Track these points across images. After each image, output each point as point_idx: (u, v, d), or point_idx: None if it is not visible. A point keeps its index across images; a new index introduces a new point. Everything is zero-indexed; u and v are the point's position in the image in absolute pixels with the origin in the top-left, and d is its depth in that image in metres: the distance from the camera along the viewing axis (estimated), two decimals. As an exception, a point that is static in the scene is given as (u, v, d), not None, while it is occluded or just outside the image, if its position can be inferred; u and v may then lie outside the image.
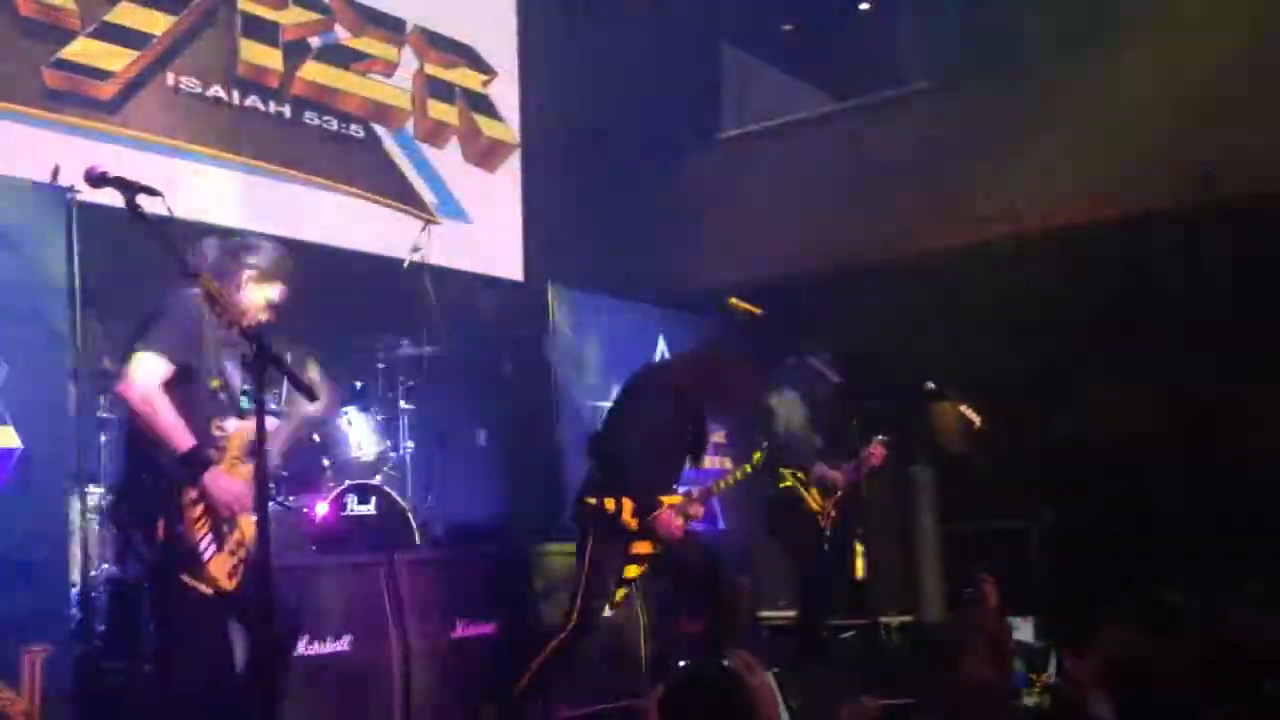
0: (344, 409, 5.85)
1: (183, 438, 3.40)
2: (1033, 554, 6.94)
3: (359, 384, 6.16)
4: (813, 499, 5.91)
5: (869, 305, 7.51)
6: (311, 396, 3.76)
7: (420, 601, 4.89)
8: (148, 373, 3.41)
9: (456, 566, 5.29)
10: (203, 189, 6.60)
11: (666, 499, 4.74)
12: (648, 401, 4.79)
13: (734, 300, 6.02)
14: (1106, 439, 6.87)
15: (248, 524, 3.59)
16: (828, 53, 8.40)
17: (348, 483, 5.52)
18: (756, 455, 5.34)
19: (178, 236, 3.33)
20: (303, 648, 4.41)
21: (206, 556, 3.38)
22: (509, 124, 8.53)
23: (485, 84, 8.39)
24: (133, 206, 3.28)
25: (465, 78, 8.26)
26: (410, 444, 6.13)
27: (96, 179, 3.34)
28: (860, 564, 6.32)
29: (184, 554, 3.37)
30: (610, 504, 4.59)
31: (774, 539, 6.34)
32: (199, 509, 3.40)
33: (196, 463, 3.40)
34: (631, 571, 4.70)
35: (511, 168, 8.53)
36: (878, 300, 7.55)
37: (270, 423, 3.91)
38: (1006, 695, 4.43)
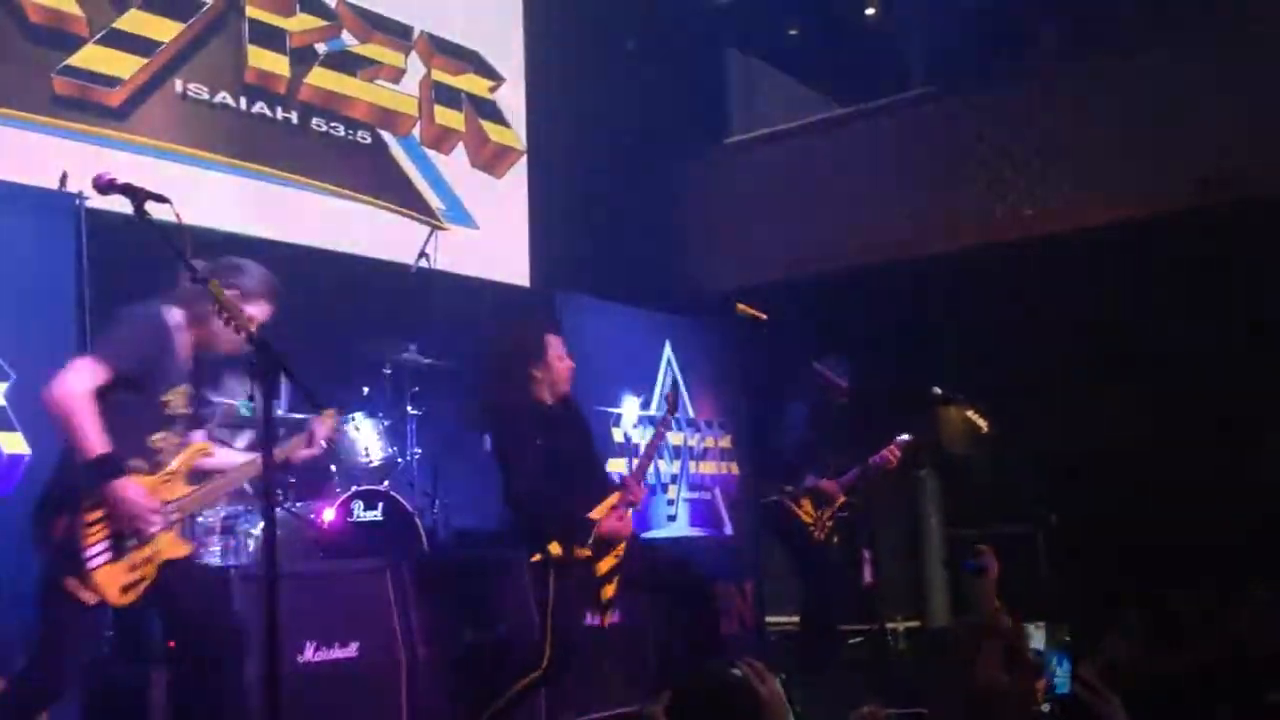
0: (350, 415, 5.85)
1: (95, 443, 3.37)
2: (1039, 559, 6.93)
3: (365, 390, 6.17)
4: (803, 511, 5.92)
5: (874, 310, 7.51)
6: (317, 406, 3.79)
7: (428, 608, 4.88)
8: (75, 378, 3.42)
9: (464, 573, 5.29)
10: (210, 195, 6.62)
11: (598, 510, 4.64)
12: (506, 439, 4.58)
13: (740, 305, 6.02)
14: (1113, 443, 6.86)
15: (169, 542, 3.57)
16: (833, 58, 8.40)
17: (355, 489, 5.52)
18: (669, 403, 5.19)
19: (186, 243, 3.34)
20: (310, 654, 4.43)
21: (93, 565, 3.35)
22: (515, 130, 8.54)
23: (492, 90, 8.41)
24: (141, 213, 3.29)
25: (472, 84, 8.27)
26: (417, 450, 6.13)
27: (105, 186, 3.35)
28: (867, 570, 6.33)
29: (70, 558, 3.36)
30: (556, 549, 4.46)
31: (776, 543, 6.37)
32: (95, 515, 3.38)
33: (104, 469, 3.38)
34: (608, 592, 4.63)
35: (518, 173, 8.54)
36: (883, 305, 7.56)
37: (237, 456, 3.95)
38: (1025, 700, 4.41)
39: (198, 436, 3.83)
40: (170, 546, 3.58)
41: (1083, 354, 7.16)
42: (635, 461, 5.12)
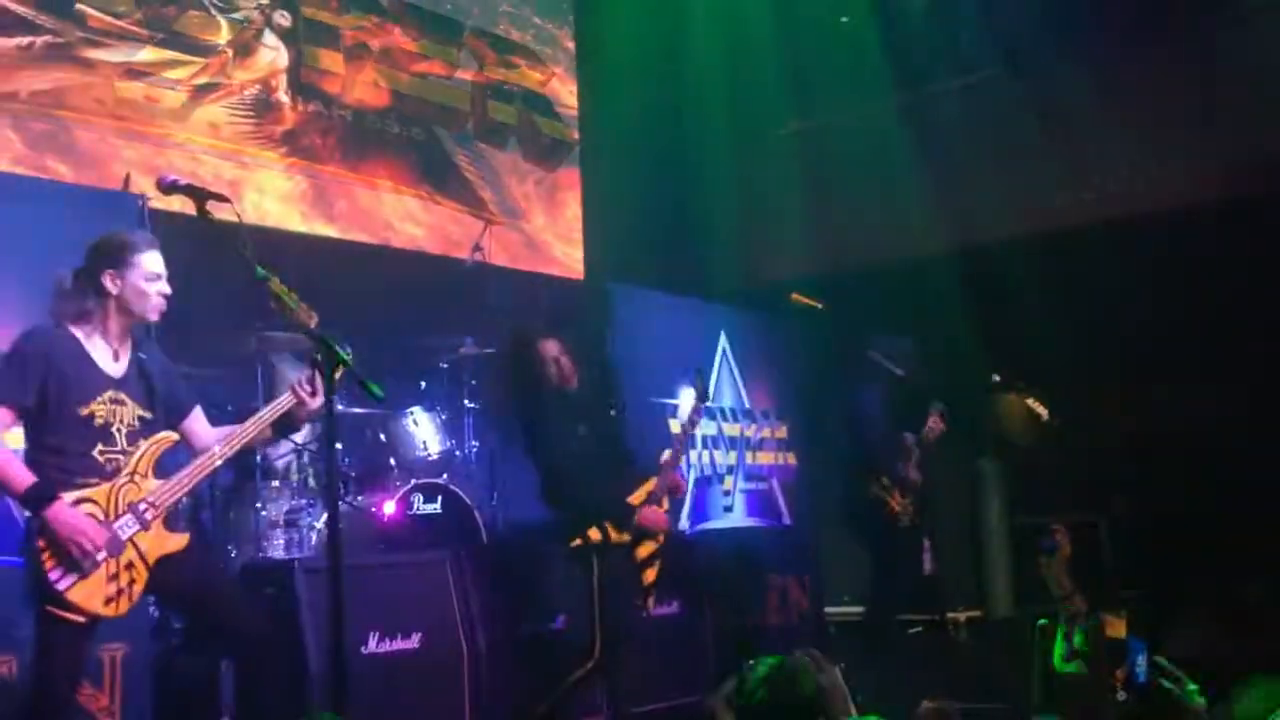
0: (409, 409, 5.90)
1: (16, 481, 3.38)
2: (1102, 548, 6.83)
3: (423, 384, 6.22)
4: (895, 501, 5.86)
5: (935, 297, 7.43)
6: (376, 396, 3.78)
7: (487, 599, 4.92)
8: None
9: (522, 563, 5.31)
10: (268, 194, 6.71)
11: (637, 495, 4.64)
12: (539, 429, 4.64)
13: (796, 295, 5.99)
14: (1179, 430, 6.74)
15: (156, 540, 3.53)
16: (890, 43, 8.30)
17: (414, 482, 5.57)
18: (691, 398, 5.19)
19: (246, 242, 3.38)
20: (373, 644, 4.48)
21: (61, 587, 3.33)
22: (568, 122, 8.56)
23: (543, 83, 8.43)
24: (203, 213, 3.33)
25: (524, 77, 8.30)
26: (474, 442, 6.17)
27: (168, 186, 3.40)
28: (927, 559, 6.28)
29: (40, 586, 3.35)
30: (595, 534, 4.51)
31: (846, 532, 6.30)
32: (43, 541, 3.36)
33: (31, 502, 3.38)
34: (649, 575, 4.65)
35: (571, 166, 8.57)
36: (944, 292, 7.47)
37: (218, 431, 3.82)
38: (1100, 690, 4.36)
39: (196, 426, 3.76)
40: (158, 544, 3.54)
41: (1149, 339, 7.03)
42: (672, 451, 5.10)
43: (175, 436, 3.71)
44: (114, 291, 3.56)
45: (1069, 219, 7.51)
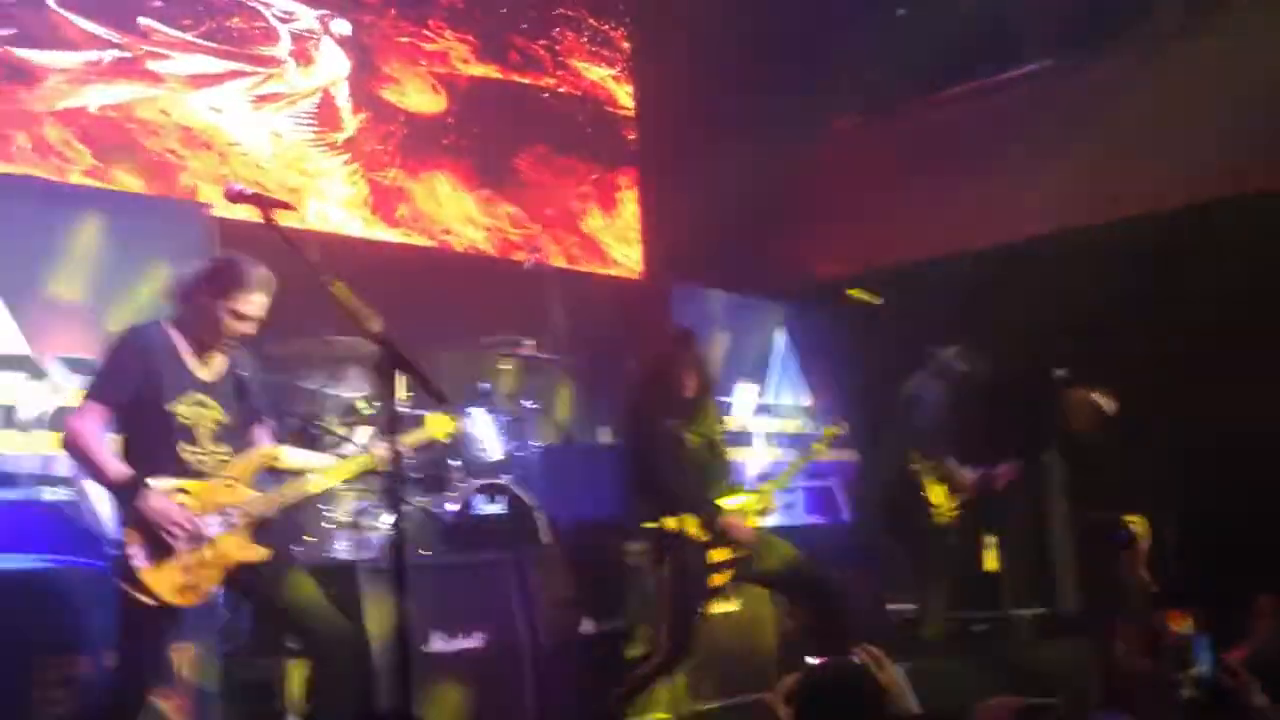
0: (470, 409, 5.96)
1: (110, 473, 3.53)
2: (1167, 544, 6.70)
3: (485, 385, 6.27)
4: (934, 492, 5.80)
5: (996, 292, 7.34)
6: (441, 399, 3.85)
7: (549, 599, 4.96)
8: (75, 420, 3.59)
9: (583, 564, 5.34)
10: (330, 200, 6.81)
11: (730, 500, 4.67)
12: (637, 423, 4.74)
13: (853, 290, 5.96)
14: (1247, 427, 6.59)
15: (236, 546, 3.64)
16: (941, 35, 8.22)
17: (476, 482, 5.62)
18: (828, 432, 5.26)
19: (311, 248, 3.43)
20: (438, 644, 4.53)
21: (136, 564, 3.46)
22: (625, 122, 8.59)
23: (599, 84, 8.47)
24: (269, 220, 3.40)
25: (580, 78, 8.34)
26: (536, 443, 6.22)
27: (235, 196, 3.47)
28: (989, 556, 6.21)
29: (119, 561, 3.50)
30: (671, 523, 4.56)
31: (888, 529, 6.27)
32: (130, 525, 3.50)
33: (124, 492, 3.52)
34: (716, 581, 4.66)
35: (628, 166, 8.59)
36: (1006, 286, 7.38)
37: (315, 459, 4.02)
38: (1165, 687, 4.30)
39: (264, 439, 3.89)
40: (238, 550, 3.65)
41: (1214, 333, 6.89)
42: (779, 474, 5.18)
43: (279, 454, 3.89)
44: (198, 305, 3.70)
45: (1128, 208, 7.38)
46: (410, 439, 4.15)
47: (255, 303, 3.72)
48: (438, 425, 4.18)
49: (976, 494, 5.84)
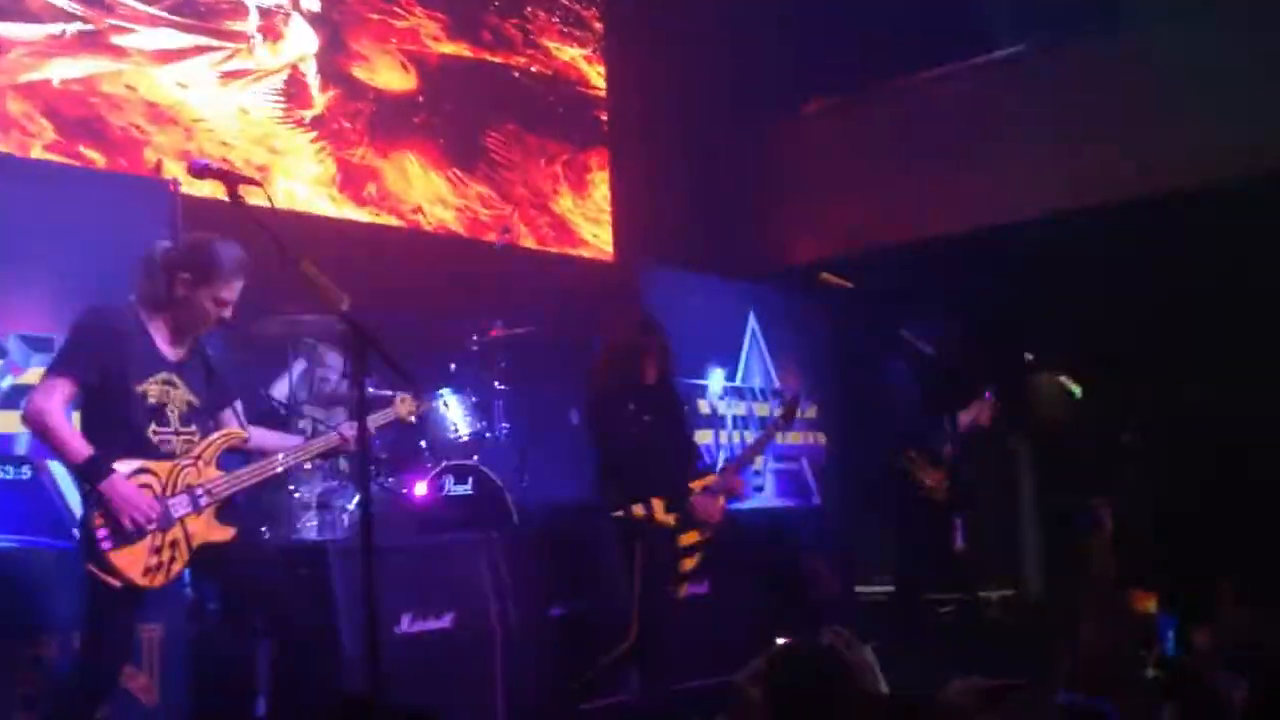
0: (439, 391, 5.93)
1: (74, 451, 3.49)
2: (1134, 526, 6.77)
3: (453, 366, 6.24)
4: (927, 475, 5.81)
5: (964, 276, 7.38)
6: (409, 379, 3.83)
7: (519, 580, 4.95)
8: (40, 395, 3.53)
9: (553, 545, 5.34)
10: (298, 178, 6.75)
11: (697, 483, 4.69)
12: (607, 411, 4.74)
13: (825, 274, 5.95)
14: (1217, 409, 6.66)
15: (204, 526, 3.63)
16: (909, 21, 8.23)
17: (445, 463, 5.60)
18: (788, 407, 5.28)
19: (276, 226, 3.39)
20: (407, 625, 4.52)
21: (105, 547, 3.44)
22: (596, 103, 8.54)
23: (571, 64, 8.42)
24: (235, 197, 3.36)
25: (552, 58, 8.29)
26: (505, 424, 6.20)
27: (200, 170, 3.42)
28: (958, 537, 6.24)
29: (86, 543, 3.47)
30: (639, 510, 4.56)
31: (875, 512, 6.30)
32: (98, 503, 3.48)
33: (89, 472, 3.48)
34: (686, 565, 4.68)
35: (599, 147, 8.56)
36: (973, 270, 7.42)
37: (277, 439, 4.00)
38: (1129, 666, 4.35)
39: (230, 419, 3.87)
40: (206, 530, 3.65)
41: (1180, 317, 6.95)
42: (741, 454, 5.20)
43: (246, 435, 3.85)
44: (180, 294, 3.66)
45: (1098, 194, 7.43)
46: (377, 419, 4.13)
47: (236, 288, 3.71)
48: (405, 406, 4.16)
49: (959, 452, 5.84)
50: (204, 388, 3.78)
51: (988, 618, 6.69)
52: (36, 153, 5.64)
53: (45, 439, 3.57)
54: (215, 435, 3.74)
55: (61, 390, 3.53)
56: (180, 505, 3.59)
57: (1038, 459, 7.39)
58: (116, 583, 3.46)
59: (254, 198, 3.43)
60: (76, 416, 3.64)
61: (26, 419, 3.57)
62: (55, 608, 3.99)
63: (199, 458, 3.67)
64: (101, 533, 3.44)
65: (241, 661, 4.42)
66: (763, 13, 8.54)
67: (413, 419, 4.25)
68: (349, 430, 3.94)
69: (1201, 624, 4.52)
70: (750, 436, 7.24)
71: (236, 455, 3.88)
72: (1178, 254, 6.85)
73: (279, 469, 3.88)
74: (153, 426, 3.61)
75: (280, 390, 5.48)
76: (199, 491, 3.63)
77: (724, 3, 8.56)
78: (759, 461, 7.13)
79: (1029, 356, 6.08)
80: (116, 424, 3.57)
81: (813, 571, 5.87)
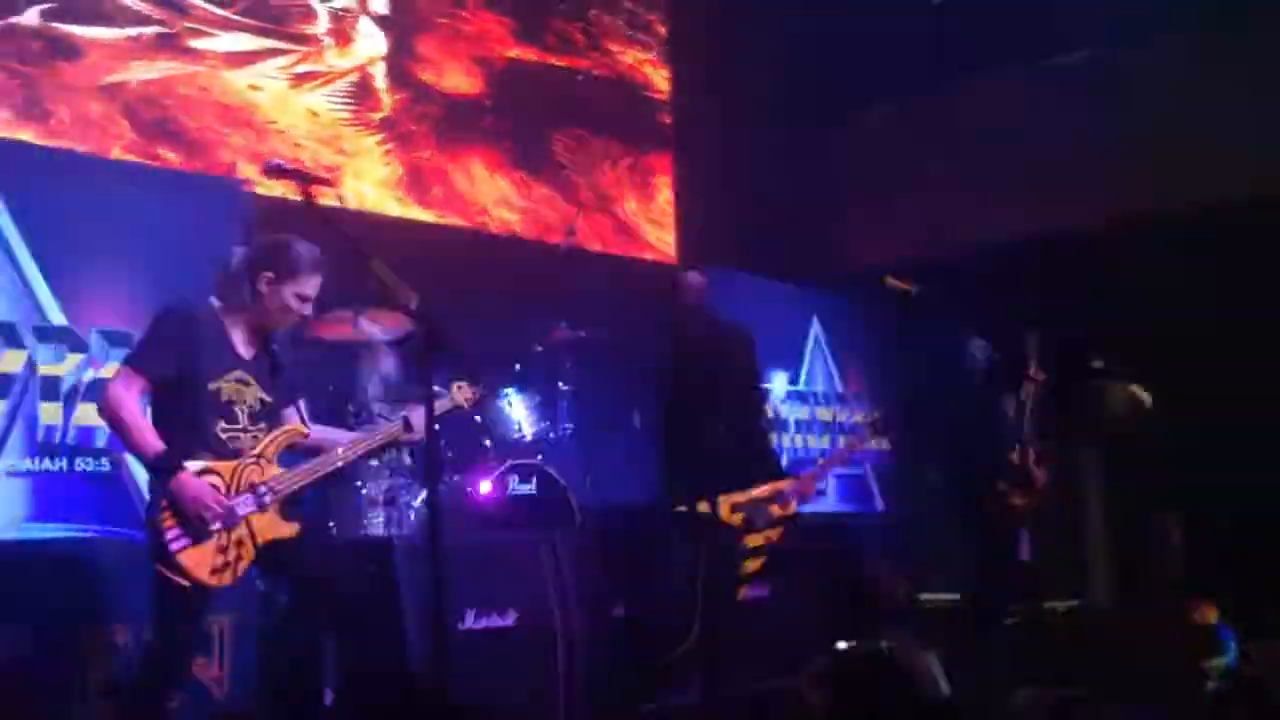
0: (504, 391, 5.97)
1: (146, 446, 3.52)
2: (1204, 537, 6.64)
3: (518, 366, 6.28)
4: (1017, 498, 5.73)
5: (1034, 282, 7.28)
6: (475, 379, 3.86)
7: (581, 580, 4.96)
8: (114, 388, 3.58)
9: (615, 546, 5.34)
10: (366, 179, 6.83)
11: (762, 489, 4.65)
12: (682, 416, 4.71)
13: (888, 278, 5.90)
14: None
15: (268, 524, 3.65)
16: (979, 25, 8.14)
17: (509, 462, 5.63)
18: (872, 421, 5.23)
19: (349, 224, 3.45)
20: (471, 621, 4.55)
21: (174, 548, 3.47)
22: (660, 107, 8.56)
23: (636, 67, 8.45)
24: (307, 196, 3.41)
25: (616, 62, 8.33)
26: (569, 425, 6.22)
27: (274, 170, 3.48)
28: (1024, 548, 6.16)
29: (155, 543, 3.50)
30: (703, 505, 4.55)
31: (956, 525, 6.21)
32: (165, 502, 3.50)
33: (159, 468, 3.52)
34: (751, 566, 4.64)
35: (663, 150, 8.57)
36: (1043, 277, 7.32)
37: (338, 435, 4.02)
38: (1192, 677, 4.27)
39: (290, 418, 3.89)
40: (270, 527, 3.67)
41: (1257, 329, 6.80)
42: (818, 466, 5.20)
43: (307, 431, 3.87)
44: (263, 292, 3.72)
45: (1173, 202, 7.30)
46: (434, 407, 4.11)
47: (316, 283, 3.77)
48: (462, 393, 4.17)
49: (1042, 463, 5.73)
50: (273, 384, 3.82)
51: (1053, 628, 6.58)
52: (116, 153, 5.77)
53: (118, 431, 3.62)
54: (277, 432, 3.77)
55: (135, 383, 3.59)
56: (245, 504, 3.62)
57: (1107, 469, 7.26)
58: (185, 582, 3.51)
59: (324, 198, 3.48)
60: (150, 412, 3.69)
61: (102, 410, 3.63)
62: (129, 597, 4.06)
63: (261, 455, 3.70)
64: (172, 533, 3.48)
65: (310, 655, 4.47)
66: (824, 17, 8.51)
67: (467, 406, 4.22)
68: (414, 419, 3.94)
69: (1269, 637, 4.43)
70: (814, 440, 7.20)
71: (298, 453, 3.90)
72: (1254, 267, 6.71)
73: (340, 463, 3.89)
74: (221, 424, 3.66)
75: (347, 389, 5.54)
76: (262, 489, 3.66)
77: (787, 7, 8.53)
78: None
79: (1099, 364, 5.98)
80: (186, 421, 3.62)
81: (876, 577, 5.80)
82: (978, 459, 5.80)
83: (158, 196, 4.77)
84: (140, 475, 4.39)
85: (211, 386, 3.65)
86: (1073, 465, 7.11)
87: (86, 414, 4.37)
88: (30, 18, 5.59)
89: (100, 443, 4.40)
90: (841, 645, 4.47)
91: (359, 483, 5.30)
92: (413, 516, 5.28)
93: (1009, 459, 5.71)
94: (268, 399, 3.79)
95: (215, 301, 3.78)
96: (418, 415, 3.92)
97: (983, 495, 5.77)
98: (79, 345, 4.56)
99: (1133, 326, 6.91)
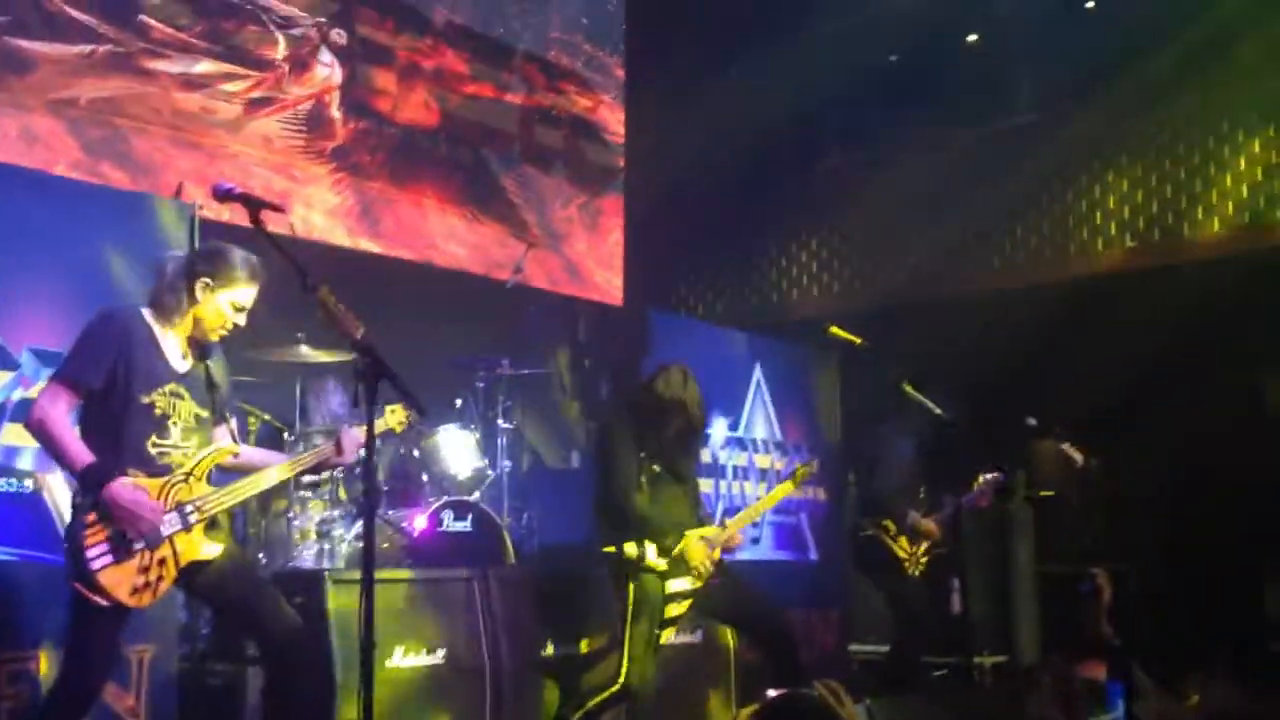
0: (443, 426, 5.95)
1: (75, 458, 3.44)
2: (1129, 597, 6.75)
3: (458, 402, 6.27)
4: (899, 546, 5.82)
5: (970, 337, 7.41)
6: (421, 412, 3.83)
7: (512, 619, 4.94)
8: (43, 401, 3.50)
9: (549, 585, 5.32)
10: (316, 208, 6.81)
11: (695, 531, 4.68)
12: (612, 446, 4.72)
13: (834, 328, 5.98)
14: (1215, 481, 6.66)
15: (192, 543, 3.56)
16: (932, 85, 8.33)
17: (445, 499, 5.60)
18: (800, 470, 5.27)
19: (295, 251, 3.42)
20: (398, 658, 4.50)
21: (94, 566, 3.37)
22: (614, 149, 8.63)
23: (591, 109, 8.51)
24: (256, 221, 3.39)
25: (572, 103, 8.39)
26: (507, 462, 6.21)
27: (224, 194, 3.45)
28: (955, 600, 6.23)
29: (75, 561, 3.40)
30: (631, 549, 4.57)
31: (861, 575, 6.30)
32: (92, 518, 3.41)
33: (90, 479, 3.43)
34: (672, 611, 4.65)
35: (615, 193, 8.63)
36: (978, 332, 7.45)
37: (270, 457, 3.95)
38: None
39: (221, 436, 3.82)
40: (193, 547, 3.57)
41: (1182, 387, 6.98)
42: (746, 510, 5.23)
43: (238, 450, 3.79)
44: (198, 299, 3.65)
45: (1108, 263, 7.49)
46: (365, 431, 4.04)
47: (252, 293, 3.70)
48: (395, 416, 4.10)
49: (954, 526, 5.82)
50: (208, 400, 3.74)
51: (980, 683, 6.64)
52: (60, 170, 5.69)
53: (47, 445, 3.52)
54: (208, 450, 3.68)
55: (64, 397, 3.49)
56: (171, 522, 3.51)
57: (1038, 525, 7.37)
58: (104, 602, 3.41)
59: (273, 224, 3.47)
60: (77, 427, 3.59)
61: (29, 425, 3.52)
62: (47, 622, 3.97)
63: (191, 473, 3.60)
64: (94, 550, 3.39)
65: (231, 687, 4.40)
66: (781, 68, 8.64)
67: (398, 430, 4.17)
68: (345, 441, 3.87)
69: (1185, 692, 4.52)
70: (750, 487, 7.23)
71: (224, 472, 3.80)
72: (1182, 324, 6.89)
73: (268, 484, 3.80)
74: (153, 438, 3.56)
75: (284, 414, 5.50)
76: (189, 508, 3.55)
77: (743, 56, 8.66)
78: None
79: (1032, 421, 6.09)
80: (114, 433, 3.52)
81: (807, 627, 5.83)
82: (870, 508, 5.89)
83: (100, 215, 4.70)
84: (62, 498, 4.29)
85: (144, 399, 3.55)
86: (1004, 521, 7.21)
87: (12, 433, 4.27)
88: (-20, 29, 5.53)
89: (24, 464, 4.30)
90: (771, 692, 4.49)
91: (290, 514, 5.25)
92: (344, 550, 5.23)
93: (897, 507, 5.80)
94: (202, 413, 3.70)
95: (148, 310, 3.67)
96: (349, 437, 3.88)
97: (865, 537, 5.86)
98: (9, 363, 4.47)
99: (1068, 387, 7.04)
